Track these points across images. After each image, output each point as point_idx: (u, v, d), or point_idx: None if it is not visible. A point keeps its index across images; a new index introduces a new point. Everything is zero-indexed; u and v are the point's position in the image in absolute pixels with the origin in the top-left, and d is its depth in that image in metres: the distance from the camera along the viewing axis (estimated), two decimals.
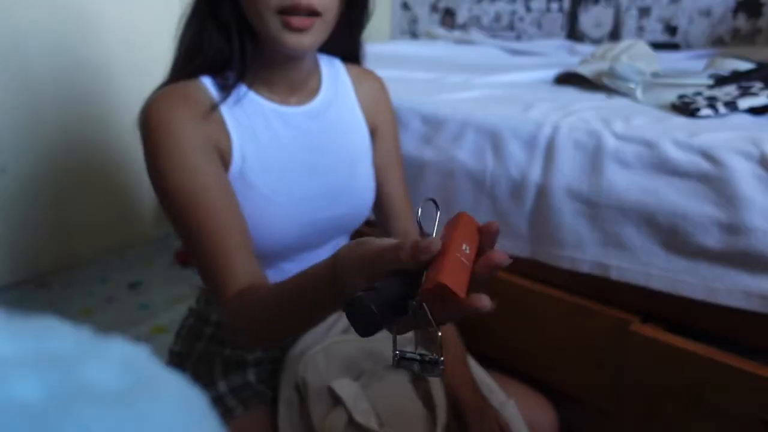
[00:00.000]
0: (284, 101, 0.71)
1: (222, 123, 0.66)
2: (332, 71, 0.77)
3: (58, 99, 1.81)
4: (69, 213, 1.93)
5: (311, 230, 0.73)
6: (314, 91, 0.74)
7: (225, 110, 0.67)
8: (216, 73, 0.67)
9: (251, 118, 0.68)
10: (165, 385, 0.18)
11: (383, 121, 0.82)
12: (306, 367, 0.71)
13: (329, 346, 0.73)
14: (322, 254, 0.78)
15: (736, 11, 2.00)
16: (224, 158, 0.66)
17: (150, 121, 0.63)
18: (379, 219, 0.85)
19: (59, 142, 1.85)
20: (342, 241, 0.80)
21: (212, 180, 0.62)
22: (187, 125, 0.63)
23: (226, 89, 0.66)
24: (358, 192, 0.77)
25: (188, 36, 0.66)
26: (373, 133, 0.81)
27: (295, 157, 0.70)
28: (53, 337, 0.18)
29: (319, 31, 0.62)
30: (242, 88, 0.68)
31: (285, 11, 0.59)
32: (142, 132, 0.64)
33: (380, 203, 0.83)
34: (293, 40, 0.61)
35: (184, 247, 0.64)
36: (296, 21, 0.59)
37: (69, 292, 1.82)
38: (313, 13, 0.60)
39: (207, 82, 0.67)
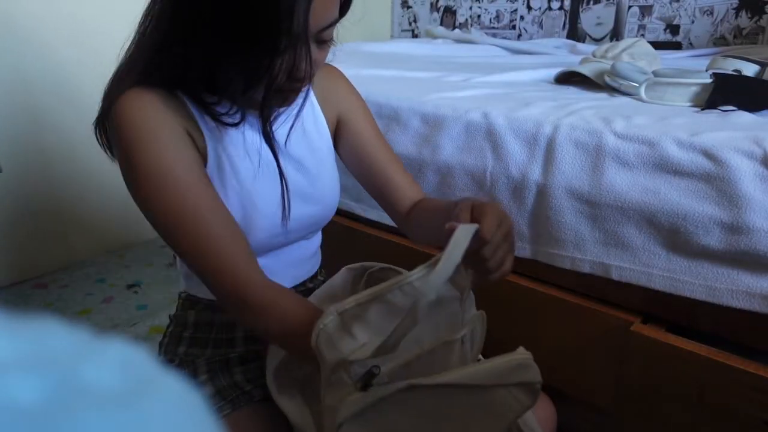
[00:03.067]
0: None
1: (194, 121, 0.66)
2: None
3: (55, 98, 1.81)
4: (67, 213, 1.93)
5: (279, 231, 0.74)
6: None
7: (196, 112, 0.66)
8: (186, 86, 0.65)
9: (221, 127, 0.68)
10: (164, 386, 0.18)
11: (348, 106, 0.80)
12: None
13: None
14: (292, 251, 0.80)
15: (738, 10, 2.00)
16: (200, 153, 0.66)
17: (124, 115, 0.60)
18: (384, 203, 0.82)
19: (57, 142, 1.85)
20: (312, 237, 0.83)
21: (193, 181, 0.61)
22: (162, 117, 0.61)
23: (209, 109, 0.65)
24: (321, 195, 0.78)
25: (180, 47, 0.61)
26: (341, 122, 0.80)
27: (260, 160, 0.71)
28: (51, 337, 0.17)
29: None
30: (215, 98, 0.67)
31: None
32: (114, 134, 0.61)
33: (379, 186, 0.80)
34: (287, 104, 0.65)
35: (179, 256, 0.63)
36: (298, 94, 0.64)
37: (67, 292, 1.82)
38: None
39: (182, 95, 0.66)
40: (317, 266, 0.88)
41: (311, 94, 0.79)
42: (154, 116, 0.61)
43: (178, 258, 0.80)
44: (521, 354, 0.55)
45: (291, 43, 0.57)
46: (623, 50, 1.33)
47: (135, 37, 0.65)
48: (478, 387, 0.51)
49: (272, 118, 0.68)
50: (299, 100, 0.72)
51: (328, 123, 0.80)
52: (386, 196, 0.81)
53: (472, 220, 0.56)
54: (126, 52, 0.66)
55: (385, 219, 1.14)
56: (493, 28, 2.64)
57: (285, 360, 0.72)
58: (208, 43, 0.58)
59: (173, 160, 0.61)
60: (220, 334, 0.78)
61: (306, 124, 0.77)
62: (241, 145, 0.70)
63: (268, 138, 0.67)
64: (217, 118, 0.66)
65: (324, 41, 0.61)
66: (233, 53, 0.58)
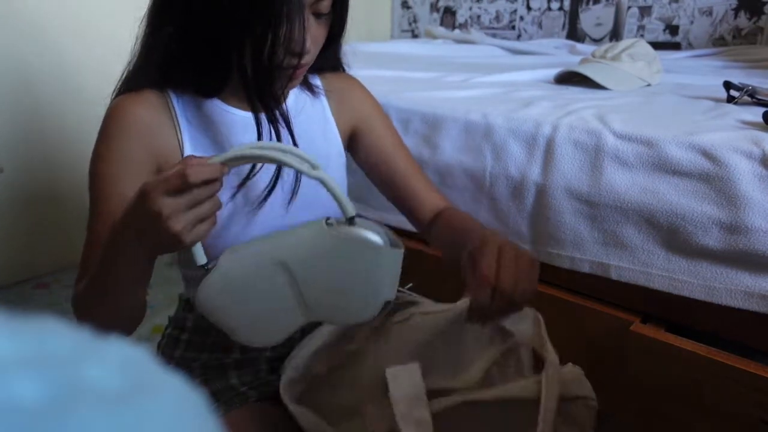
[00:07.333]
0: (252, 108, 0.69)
1: (176, 132, 0.67)
2: (306, 82, 0.78)
3: (55, 99, 1.81)
4: (68, 212, 1.92)
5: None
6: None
7: (183, 120, 0.67)
8: (183, 84, 0.68)
9: (213, 127, 0.69)
10: (164, 385, 0.18)
11: (366, 116, 0.81)
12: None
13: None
14: None
15: (737, 10, 2.00)
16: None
17: (112, 113, 0.66)
18: (404, 210, 0.82)
19: (57, 141, 1.85)
20: None
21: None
22: (140, 134, 0.65)
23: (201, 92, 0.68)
24: (322, 202, 0.77)
25: (170, 46, 0.64)
26: (358, 131, 0.80)
27: (256, 164, 0.70)
28: (52, 337, 0.17)
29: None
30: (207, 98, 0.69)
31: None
32: (103, 121, 0.68)
33: (399, 194, 0.80)
34: (291, 84, 0.67)
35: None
36: (299, 73, 0.65)
37: (68, 292, 1.81)
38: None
39: (173, 96, 0.68)
40: None
41: (324, 101, 0.79)
42: (136, 124, 0.65)
43: (179, 260, 0.80)
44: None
45: (288, 13, 0.58)
46: (623, 51, 1.33)
47: (141, 37, 0.67)
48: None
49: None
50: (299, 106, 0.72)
51: (340, 131, 0.79)
52: (406, 203, 0.81)
53: (474, 264, 0.60)
54: (132, 53, 0.69)
55: (386, 219, 1.14)
56: (493, 28, 2.64)
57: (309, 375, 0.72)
58: (206, 25, 0.60)
59: (119, 171, 0.65)
60: (217, 339, 0.78)
61: (313, 132, 0.77)
62: (230, 138, 0.69)
63: (286, 120, 0.68)
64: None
65: (321, 13, 0.63)
66: (232, 29, 0.60)
